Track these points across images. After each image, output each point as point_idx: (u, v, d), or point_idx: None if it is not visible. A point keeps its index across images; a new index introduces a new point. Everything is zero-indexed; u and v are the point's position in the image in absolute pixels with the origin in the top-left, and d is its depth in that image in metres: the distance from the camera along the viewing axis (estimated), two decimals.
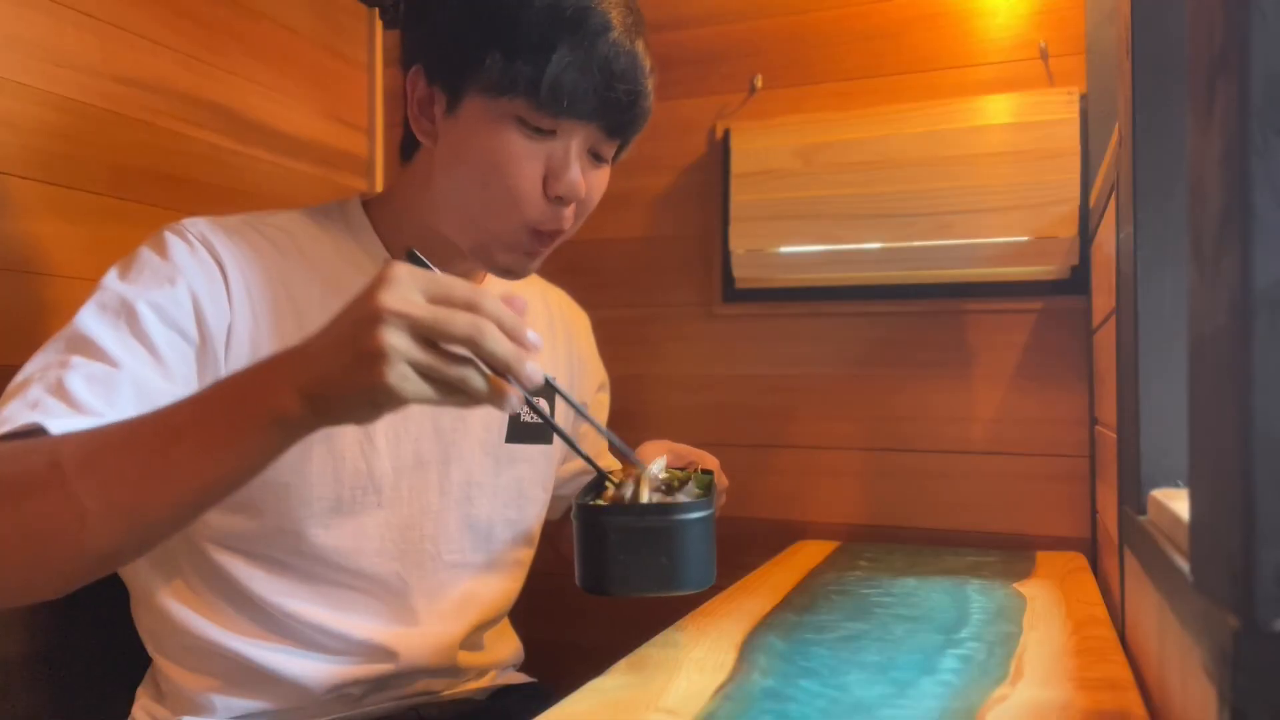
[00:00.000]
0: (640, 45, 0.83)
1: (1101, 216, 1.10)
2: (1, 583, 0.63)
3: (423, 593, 0.91)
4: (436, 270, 0.62)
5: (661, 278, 1.50)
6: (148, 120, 1.24)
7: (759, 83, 1.44)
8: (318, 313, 0.84)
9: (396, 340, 0.55)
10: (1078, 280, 1.29)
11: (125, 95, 1.20)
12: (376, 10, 1.66)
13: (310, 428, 0.60)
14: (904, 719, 0.63)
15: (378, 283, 0.57)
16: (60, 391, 0.68)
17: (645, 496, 0.78)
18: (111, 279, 0.78)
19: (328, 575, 0.85)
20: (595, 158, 0.86)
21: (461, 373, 0.58)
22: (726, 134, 1.44)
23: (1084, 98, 1.27)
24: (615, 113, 0.82)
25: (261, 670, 0.84)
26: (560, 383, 1.08)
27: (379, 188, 1.63)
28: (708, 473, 0.89)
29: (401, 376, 0.56)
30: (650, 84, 0.85)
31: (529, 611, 1.11)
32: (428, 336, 0.56)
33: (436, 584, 0.92)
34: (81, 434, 0.64)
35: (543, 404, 0.69)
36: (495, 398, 0.59)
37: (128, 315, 0.75)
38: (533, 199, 0.82)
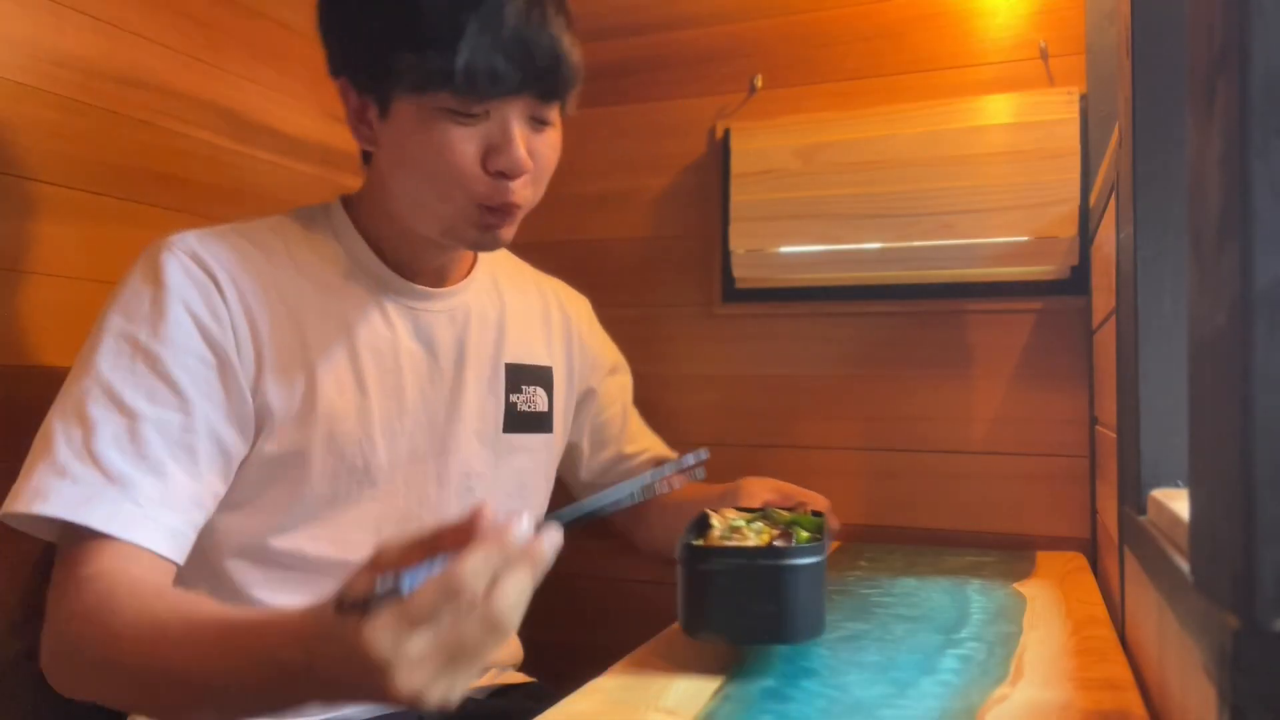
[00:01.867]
0: (549, 5, 0.81)
1: (1101, 216, 1.10)
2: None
3: None
4: (397, 584, 0.51)
5: (661, 278, 1.50)
6: (148, 120, 1.24)
7: (759, 83, 1.44)
8: (312, 315, 0.85)
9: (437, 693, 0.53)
10: (1078, 280, 1.29)
11: (125, 95, 1.20)
12: None
13: None
14: (904, 719, 0.63)
15: (373, 670, 0.50)
16: (89, 456, 0.71)
17: (753, 539, 0.75)
18: (113, 320, 0.77)
19: (327, 572, 0.85)
20: (538, 122, 0.85)
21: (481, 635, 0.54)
22: (726, 134, 1.44)
23: (1084, 98, 1.27)
24: (540, 81, 0.81)
25: None
26: (560, 369, 1.07)
27: None
28: (818, 514, 0.87)
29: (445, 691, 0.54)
30: (569, 41, 0.82)
31: (529, 611, 1.11)
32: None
33: None
34: (137, 643, 0.65)
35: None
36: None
37: (142, 357, 0.76)
38: (475, 178, 0.82)
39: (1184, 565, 0.50)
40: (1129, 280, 0.79)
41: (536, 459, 1.02)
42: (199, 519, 0.77)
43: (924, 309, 1.37)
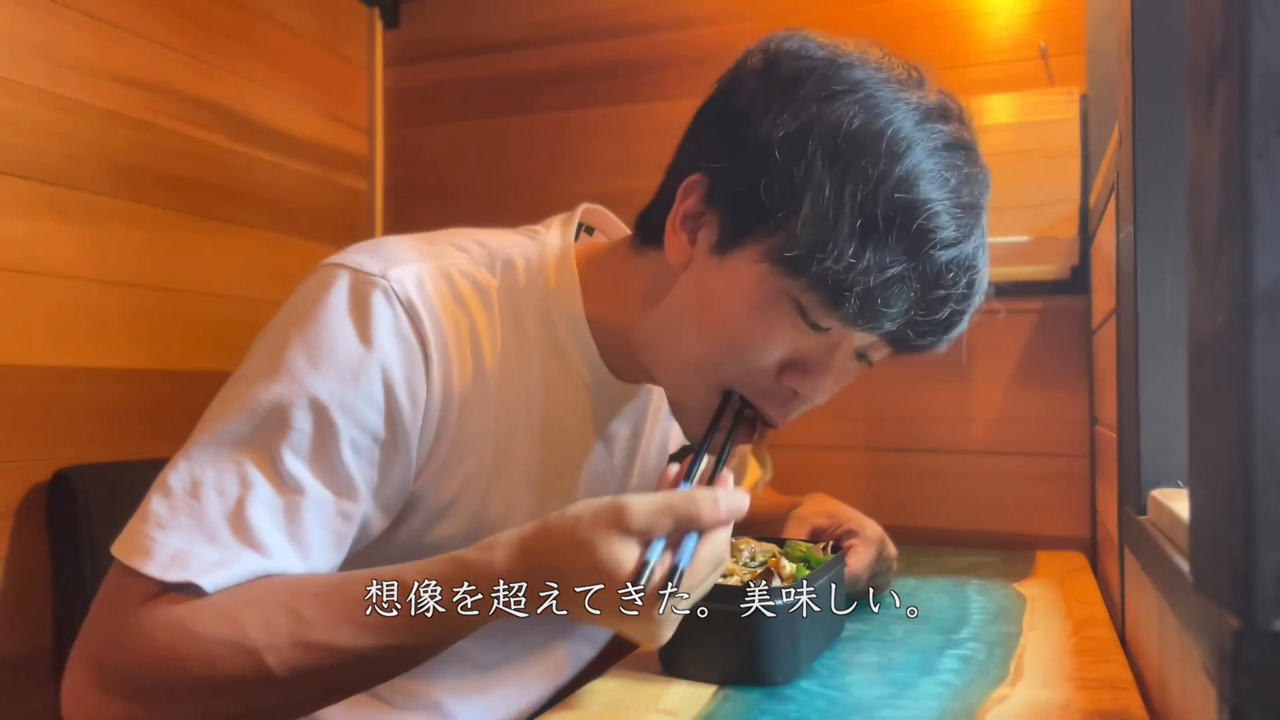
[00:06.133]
0: (982, 259, 0.71)
1: (1101, 216, 1.10)
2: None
3: (502, 654, 0.83)
4: (676, 560, 0.57)
5: None
6: (148, 120, 1.24)
7: None
8: (506, 397, 0.74)
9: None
10: (1078, 280, 1.29)
11: (125, 95, 1.20)
12: (376, 10, 1.67)
13: None
14: (904, 719, 0.63)
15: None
16: (239, 522, 0.61)
17: (737, 576, 0.73)
18: (295, 359, 0.65)
19: None
20: (864, 359, 0.72)
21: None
22: None
23: (1084, 98, 1.27)
24: (916, 344, 0.69)
25: None
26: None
27: (379, 188, 1.63)
28: (836, 548, 0.85)
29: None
30: (975, 305, 0.72)
31: None
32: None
33: (521, 646, 0.84)
34: (290, 639, 0.59)
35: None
36: None
37: (319, 422, 0.64)
38: (761, 373, 0.69)
39: (1184, 565, 0.50)
40: (1129, 280, 0.80)
41: None
42: None
43: None
